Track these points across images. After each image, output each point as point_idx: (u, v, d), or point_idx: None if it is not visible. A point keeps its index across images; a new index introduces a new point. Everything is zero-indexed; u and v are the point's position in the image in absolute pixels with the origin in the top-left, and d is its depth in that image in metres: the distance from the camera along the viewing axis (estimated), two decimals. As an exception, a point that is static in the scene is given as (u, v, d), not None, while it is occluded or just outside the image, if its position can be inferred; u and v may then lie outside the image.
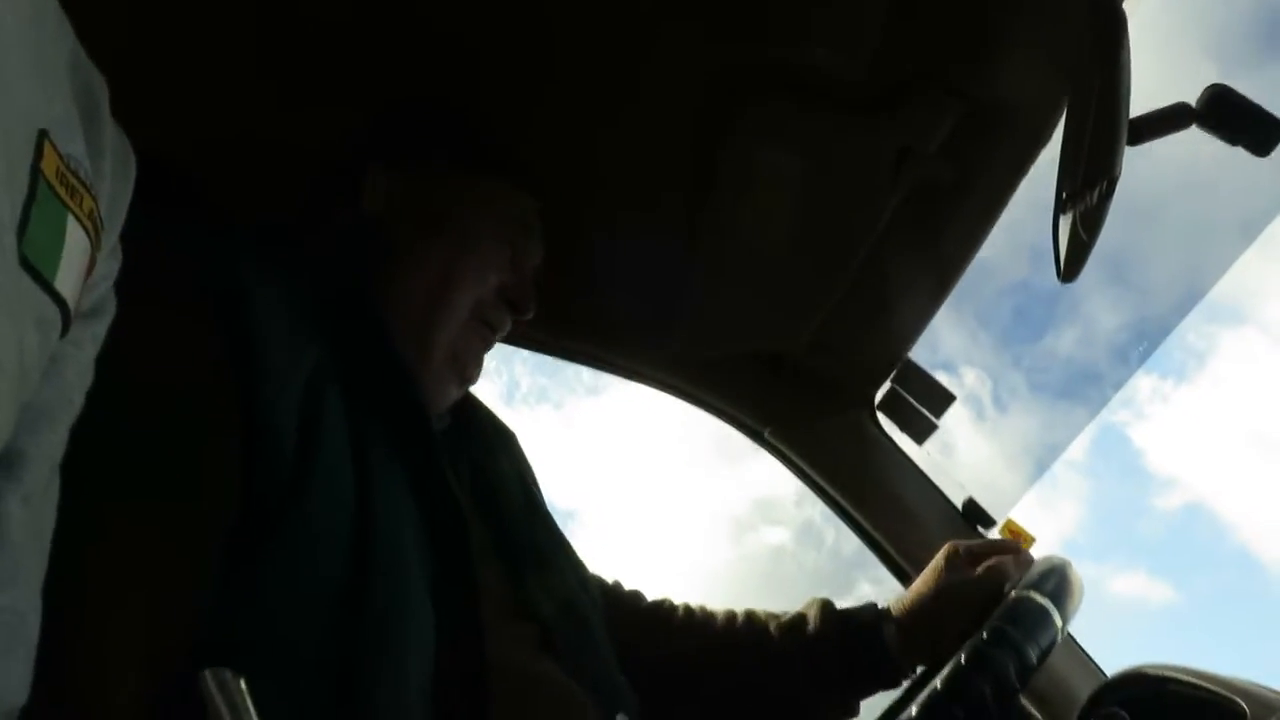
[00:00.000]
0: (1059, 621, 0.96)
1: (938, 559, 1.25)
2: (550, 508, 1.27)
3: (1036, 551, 1.57)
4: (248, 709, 0.45)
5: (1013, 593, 1.01)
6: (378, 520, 0.80)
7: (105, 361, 0.55)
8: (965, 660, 0.87)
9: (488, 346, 1.15)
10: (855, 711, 1.26)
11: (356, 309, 0.99)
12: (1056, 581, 1.02)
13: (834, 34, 1.00)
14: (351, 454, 0.83)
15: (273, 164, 1.25)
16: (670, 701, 1.22)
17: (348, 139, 1.18)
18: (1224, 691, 0.83)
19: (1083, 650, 1.44)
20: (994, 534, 1.60)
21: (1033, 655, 0.89)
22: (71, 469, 0.52)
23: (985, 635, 0.90)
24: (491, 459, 1.18)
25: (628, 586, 1.39)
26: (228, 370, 0.76)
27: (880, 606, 1.26)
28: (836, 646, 1.23)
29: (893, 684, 1.22)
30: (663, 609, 1.36)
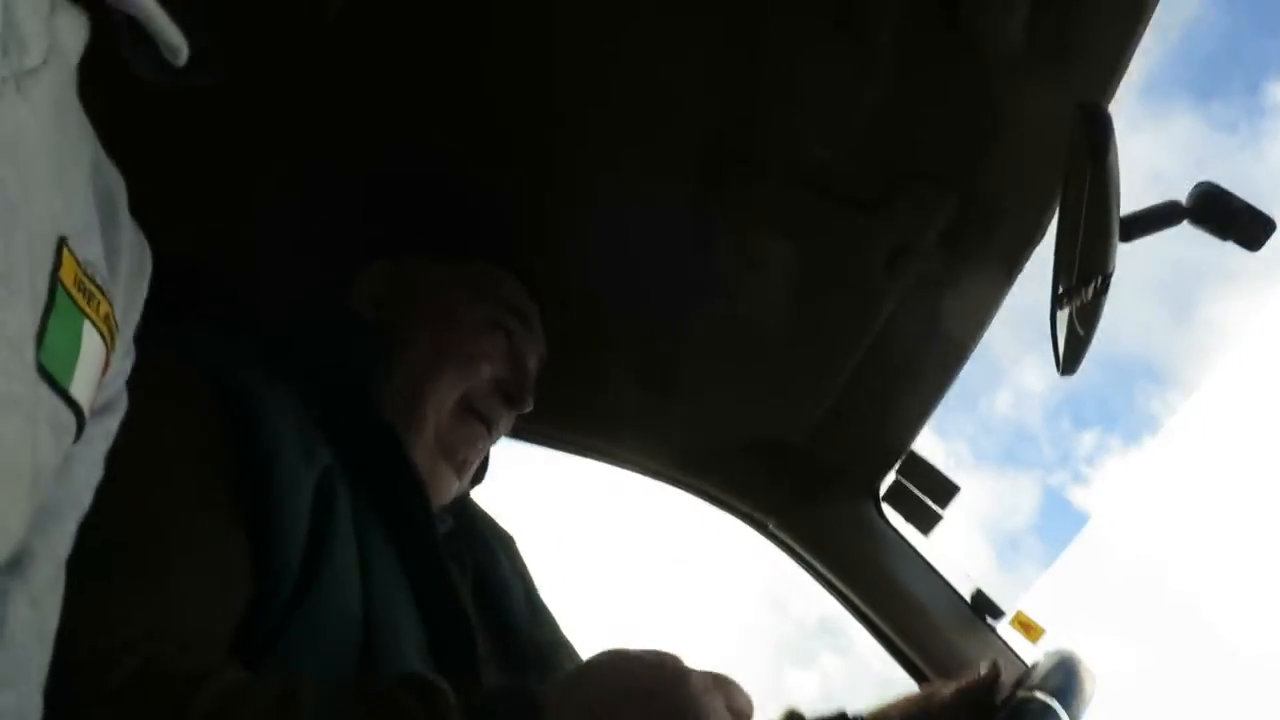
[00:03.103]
0: None
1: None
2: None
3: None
4: None
5: (1018, 693, 0.98)
6: (380, 629, 0.79)
7: (116, 465, 0.55)
8: None
9: (485, 440, 1.13)
10: None
11: (361, 410, 0.98)
12: (1062, 677, 0.99)
13: (824, 125, 1.03)
14: (359, 560, 0.82)
15: (274, 259, 1.27)
16: None
17: (345, 235, 1.21)
18: None
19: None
20: (1003, 625, 1.58)
21: None
22: (75, 567, 0.52)
23: None
24: (493, 562, 1.16)
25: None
26: (239, 477, 0.76)
27: (851, 714, 1.23)
28: None
29: None
30: None
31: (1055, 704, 0.93)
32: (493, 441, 1.16)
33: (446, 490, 1.10)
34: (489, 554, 1.17)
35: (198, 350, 0.83)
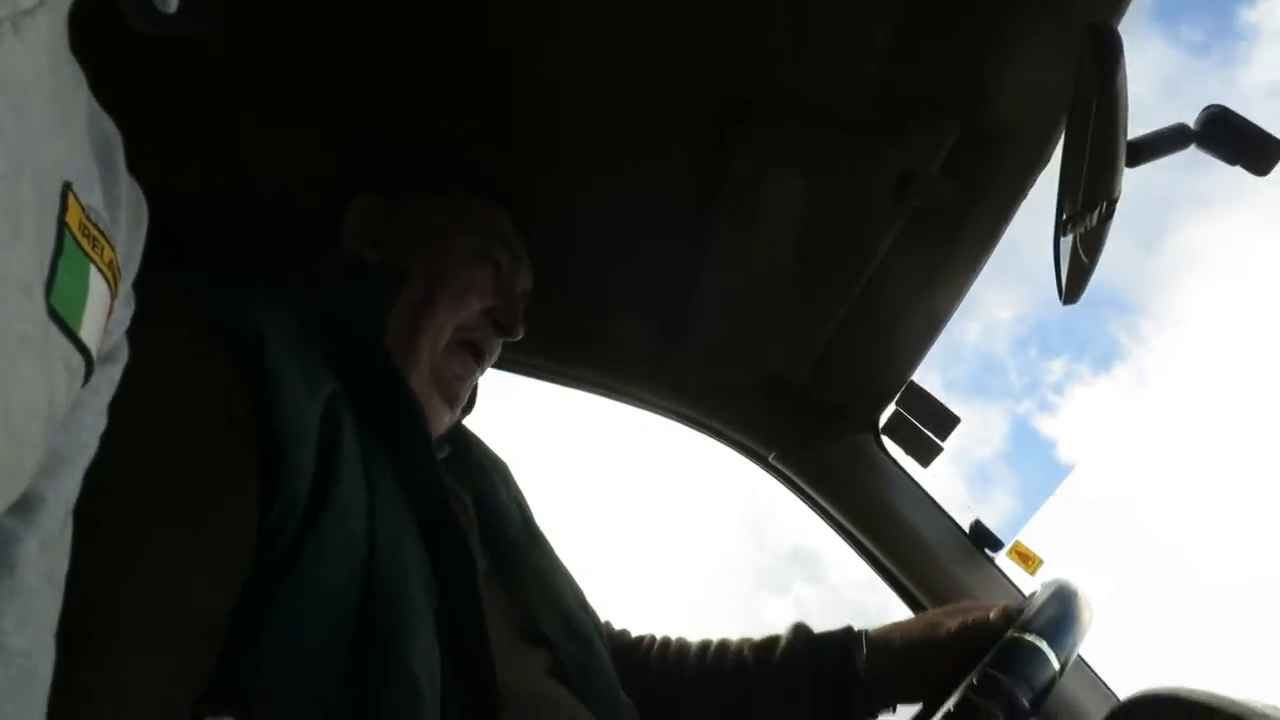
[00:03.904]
0: (1054, 659, 0.94)
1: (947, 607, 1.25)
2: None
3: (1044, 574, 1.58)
4: None
5: (1008, 633, 0.99)
6: (385, 555, 0.80)
7: (126, 404, 0.55)
8: (955, 710, 0.86)
9: (474, 370, 1.16)
10: None
11: (363, 342, 0.99)
12: (1051, 615, 1.00)
13: (834, 60, 1.01)
14: (366, 485, 0.84)
15: (262, 200, 1.27)
16: None
17: (333, 173, 1.21)
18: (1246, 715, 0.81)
19: (1094, 673, 1.43)
20: (1001, 556, 1.60)
21: (1025, 699, 0.87)
22: (89, 505, 0.52)
23: (975, 682, 0.89)
24: (490, 487, 1.19)
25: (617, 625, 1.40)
26: (248, 409, 0.77)
27: (858, 629, 1.26)
28: (807, 667, 1.23)
29: (867, 710, 1.21)
30: (642, 647, 1.36)
31: (1044, 645, 0.94)
32: (482, 371, 1.19)
33: (440, 422, 1.13)
34: (485, 479, 1.20)
35: (198, 289, 0.83)
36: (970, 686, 0.88)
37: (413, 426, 0.95)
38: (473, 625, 0.86)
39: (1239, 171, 0.87)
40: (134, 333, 0.57)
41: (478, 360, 1.16)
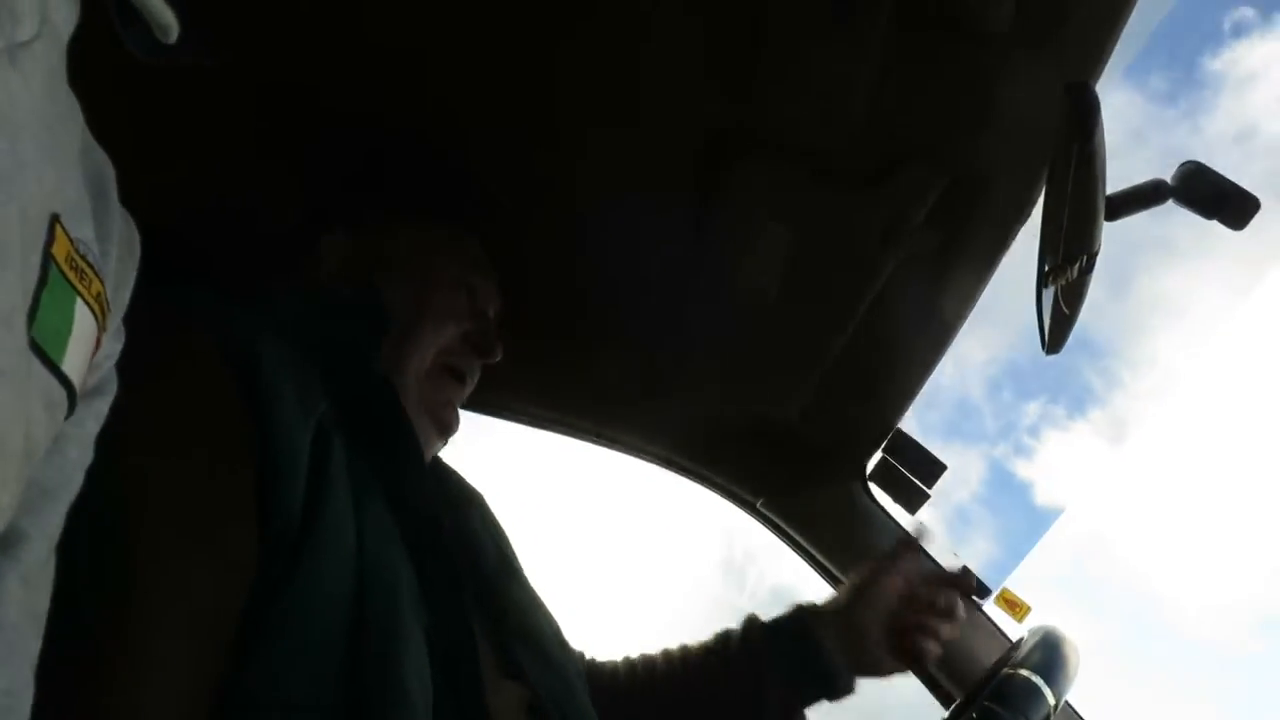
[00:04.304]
0: (1050, 697, 0.95)
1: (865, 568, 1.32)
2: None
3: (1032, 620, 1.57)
4: None
5: (1003, 670, 1.00)
6: (374, 576, 0.80)
7: (130, 422, 0.55)
8: None
9: (459, 394, 1.18)
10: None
11: (357, 366, 1.00)
12: (1045, 655, 1.01)
13: (822, 107, 1.03)
14: (353, 507, 0.84)
15: (252, 229, 1.28)
16: None
17: (321, 202, 1.23)
18: None
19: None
20: (989, 603, 1.59)
21: None
22: (100, 523, 0.52)
23: (975, 716, 0.90)
24: (466, 520, 1.18)
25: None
26: (247, 425, 0.77)
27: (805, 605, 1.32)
28: (781, 659, 1.28)
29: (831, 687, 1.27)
30: (604, 673, 1.36)
31: (1039, 681, 0.95)
32: (464, 394, 1.20)
33: (430, 449, 1.14)
34: (461, 512, 1.19)
35: (196, 308, 0.84)
36: None
37: (406, 446, 0.96)
38: (461, 643, 0.86)
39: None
40: (135, 351, 0.57)
41: (460, 383, 1.17)
